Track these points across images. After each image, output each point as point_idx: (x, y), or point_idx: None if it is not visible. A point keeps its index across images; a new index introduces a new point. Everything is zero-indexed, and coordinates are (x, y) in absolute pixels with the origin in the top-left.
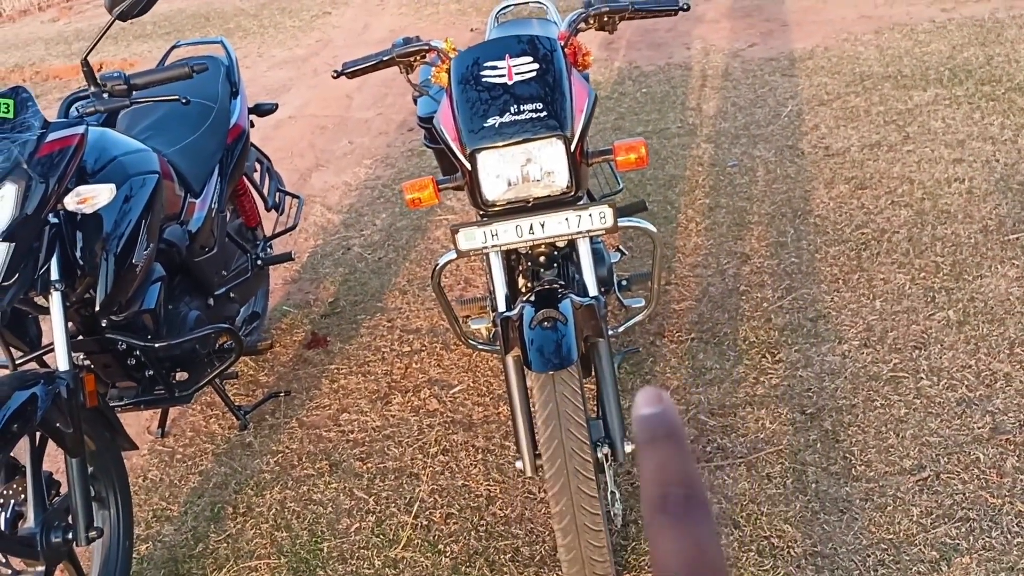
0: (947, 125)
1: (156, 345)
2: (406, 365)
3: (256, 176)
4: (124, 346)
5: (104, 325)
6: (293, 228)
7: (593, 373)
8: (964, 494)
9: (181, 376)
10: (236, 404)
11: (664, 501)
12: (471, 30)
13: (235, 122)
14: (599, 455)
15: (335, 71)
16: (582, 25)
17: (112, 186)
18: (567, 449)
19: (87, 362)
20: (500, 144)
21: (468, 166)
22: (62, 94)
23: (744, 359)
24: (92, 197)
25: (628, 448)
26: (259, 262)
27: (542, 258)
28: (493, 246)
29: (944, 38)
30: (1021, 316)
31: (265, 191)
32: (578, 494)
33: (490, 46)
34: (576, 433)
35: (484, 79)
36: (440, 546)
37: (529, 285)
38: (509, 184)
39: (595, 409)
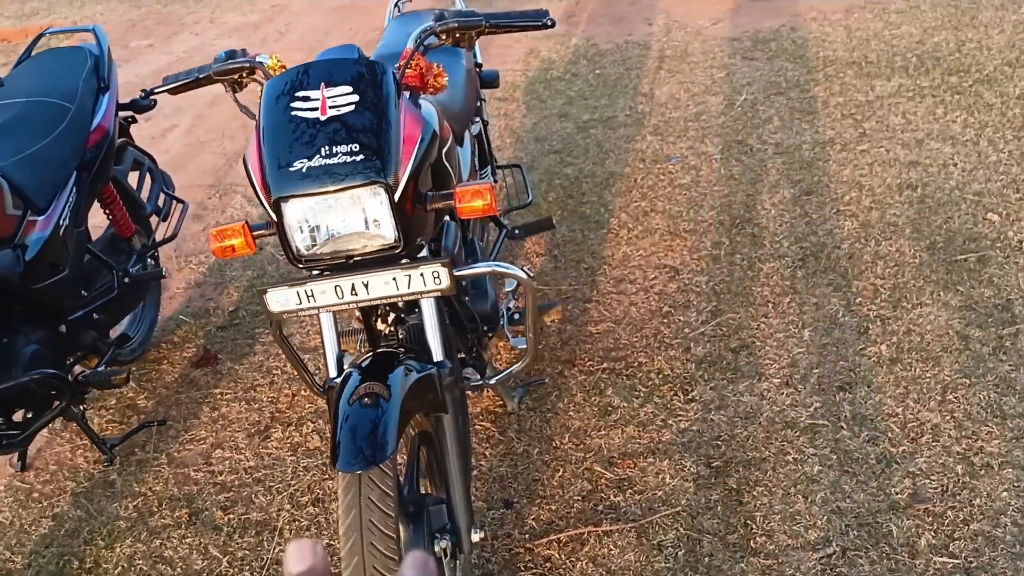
0: (907, 121)
1: None
2: (294, 392)
3: (135, 180)
4: None
5: None
6: (173, 238)
7: (436, 451)
8: None
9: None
10: (104, 435)
11: None
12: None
13: (98, 123)
14: (438, 548)
15: (143, 91)
16: (432, 40)
17: None
18: (368, 569)
19: None
20: (311, 192)
21: (274, 216)
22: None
23: (655, 396)
24: None
25: (476, 536)
26: (126, 280)
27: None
28: (309, 308)
29: (916, 19)
30: (959, 354)
31: (145, 195)
32: None
33: (304, 71)
34: (381, 548)
35: (294, 112)
36: None
37: (385, 328)
38: (324, 238)
39: (438, 489)
